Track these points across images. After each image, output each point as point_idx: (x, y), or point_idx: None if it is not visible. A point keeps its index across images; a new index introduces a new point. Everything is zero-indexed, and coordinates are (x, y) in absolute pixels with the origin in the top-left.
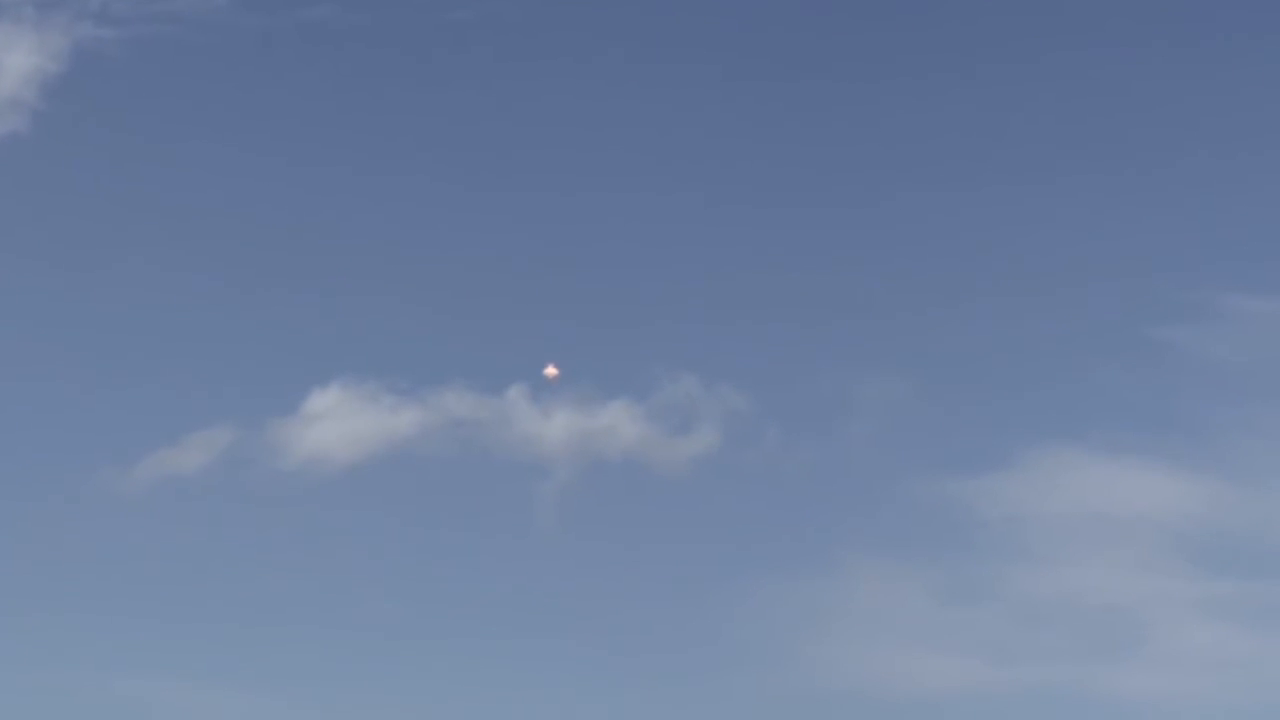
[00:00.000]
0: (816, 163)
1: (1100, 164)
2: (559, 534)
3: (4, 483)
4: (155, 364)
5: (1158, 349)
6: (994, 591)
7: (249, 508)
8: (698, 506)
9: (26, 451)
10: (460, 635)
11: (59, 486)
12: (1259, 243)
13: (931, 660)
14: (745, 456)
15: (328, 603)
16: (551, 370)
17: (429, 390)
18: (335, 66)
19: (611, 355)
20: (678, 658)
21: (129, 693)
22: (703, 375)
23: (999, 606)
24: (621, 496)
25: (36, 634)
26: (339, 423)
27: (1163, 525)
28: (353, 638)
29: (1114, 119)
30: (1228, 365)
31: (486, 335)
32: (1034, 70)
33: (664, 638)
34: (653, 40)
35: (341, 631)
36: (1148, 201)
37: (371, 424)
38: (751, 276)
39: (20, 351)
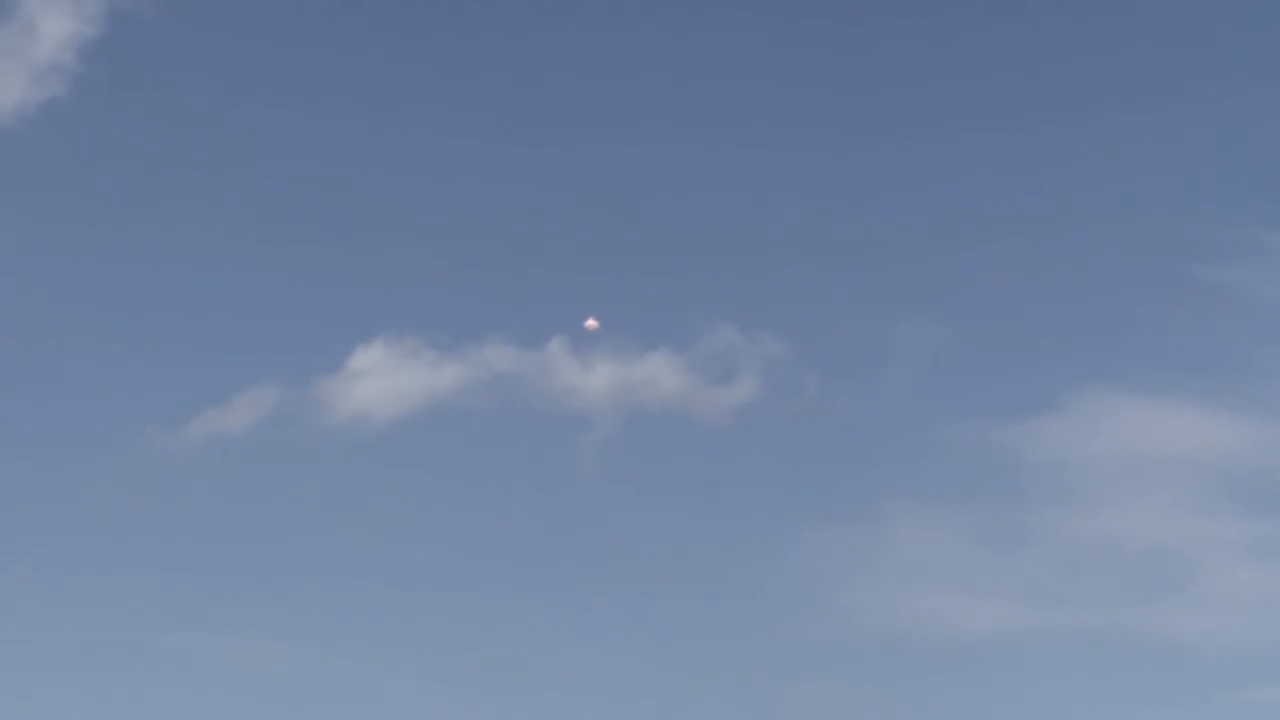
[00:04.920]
0: (853, 109)
1: (1142, 102)
2: (601, 485)
3: (55, 444)
4: (201, 325)
5: (1202, 288)
6: (1037, 535)
7: (295, 465)
8: (739, 456)
9: (77, 413)
10: (504, 587)
11: (109, 447)
12: None
13: (975, 604)
14: (785, 405)
15: (372, 557)
16: (591, 322)
17: (470, 345)
18: (372, 23)
19: (651, 306)
20: (720, 605)
21: (178, 645)
22: (742, 324)
23: (1042, 550)
24: (663, 447)
25: (87, 589)
26: (383, 379)
27: (1207, 466)
28: (398, 591)
29: (1155, 56)
30: (1273, 304)
31: (526, 289)
32: (1074, 7)
33: (706, 586)
34: None
35: (386, 585)
36: (1191, 139)
37: (414, 380)
38: (788, 224)
39: (67, 315)
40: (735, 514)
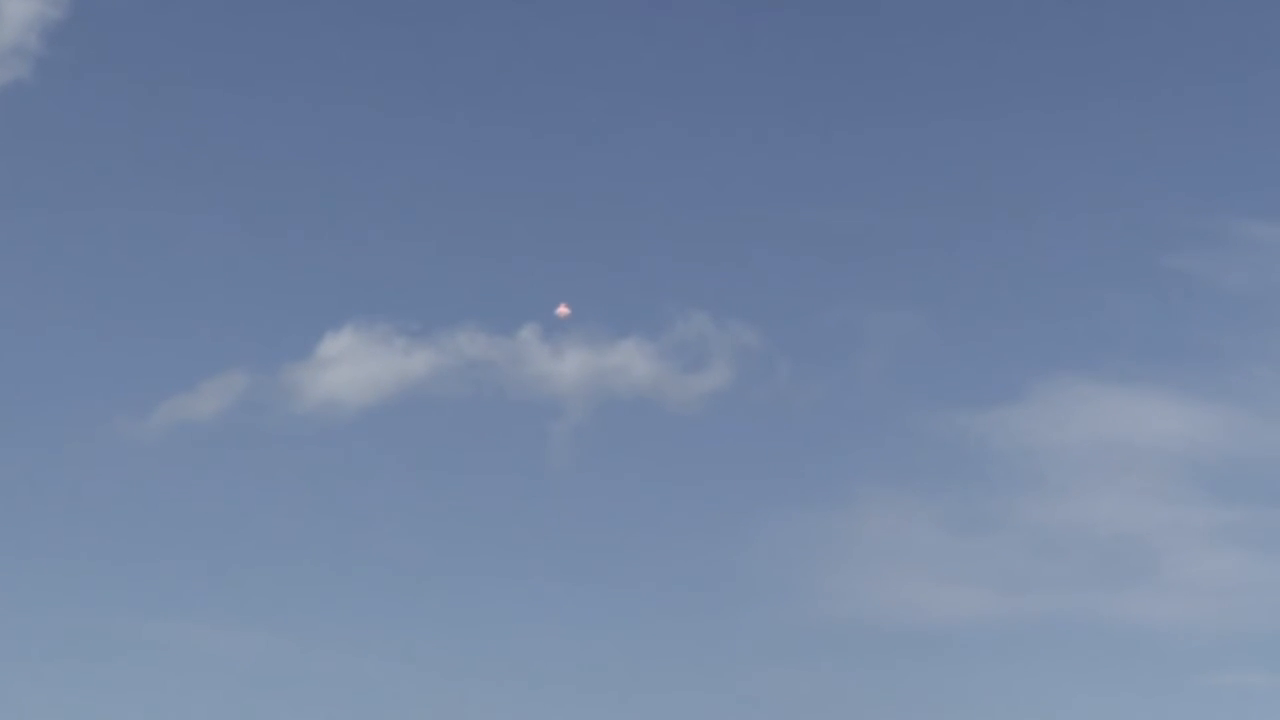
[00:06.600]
0: (824, 96)
1: (1110, 92)
2: (572, 473)
3: (22, 431)
4: (168, 311)
5: (1169, 277)
6: (1006, 522)
7: (264, 452)
8: (710, 443)
9: (43, 400)
10: (475, 574)
11: (76, 434)
12: (1271, 168)
13: (944, 591)
14: (757, 392)
15: (343, 545)
16: (563, 309)
17: (441, 331)
18: (342, 6)
19: (622, 293)
20: (692, 592)
21: (147, 634)
22: (714, 312)
23: (1011, 537)
24: (634, 434)
25: (57, 579)
26: (352, 365)
27: (1175, 453)
28: (369, 579)
29: (1123, 47)
30: (1240, 292)
31: (497, 275)
32: None
33: (678, 573)
34: None
35: (357, 572)
36: (1158, 129)
37: (385, 366)
38: (760, 212)
39: (32, 300)
40: (706, 501)
